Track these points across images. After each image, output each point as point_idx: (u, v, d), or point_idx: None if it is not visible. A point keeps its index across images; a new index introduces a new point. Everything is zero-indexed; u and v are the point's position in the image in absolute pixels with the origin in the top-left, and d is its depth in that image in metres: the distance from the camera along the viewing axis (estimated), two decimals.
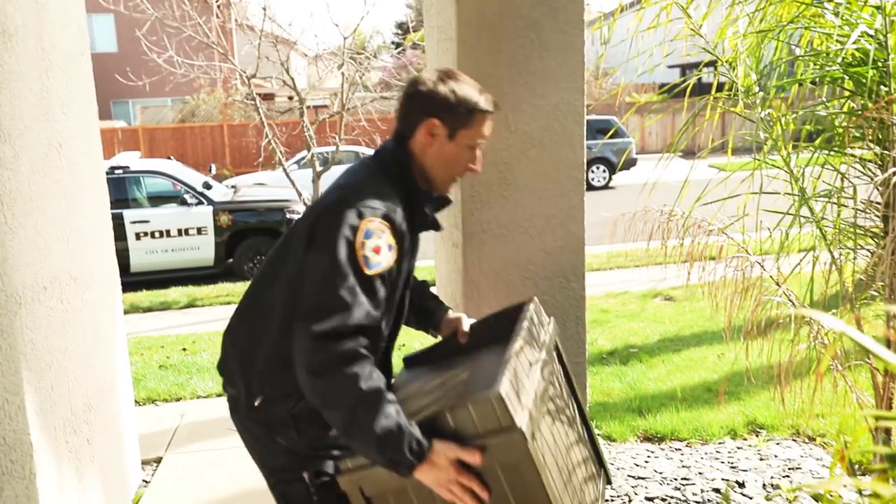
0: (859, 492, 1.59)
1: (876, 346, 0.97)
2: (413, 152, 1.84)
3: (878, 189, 2.39)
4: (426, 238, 2.00)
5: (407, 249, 1.81)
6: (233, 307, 6.84)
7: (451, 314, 2.11)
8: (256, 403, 1.80)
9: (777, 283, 2.85)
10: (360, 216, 1.69)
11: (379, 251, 1.69)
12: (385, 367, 1.99)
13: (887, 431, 2.67)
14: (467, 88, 1.81)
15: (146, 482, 3.67)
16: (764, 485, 3.35)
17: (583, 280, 2.39)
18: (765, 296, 2.83)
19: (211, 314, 7.54)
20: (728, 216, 2.91)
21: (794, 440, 3.83)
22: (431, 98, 1.79)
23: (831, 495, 2.71)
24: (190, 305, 8.01)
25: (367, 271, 1.66)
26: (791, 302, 2.80)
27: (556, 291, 2.34)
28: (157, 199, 9.40)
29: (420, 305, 2.11)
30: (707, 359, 5.16)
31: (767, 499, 3.22)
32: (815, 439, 3.82)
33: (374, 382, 1.62)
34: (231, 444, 3.97)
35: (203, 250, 9.24)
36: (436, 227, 1.92)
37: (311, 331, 1.60)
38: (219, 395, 4.82)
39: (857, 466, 3.42)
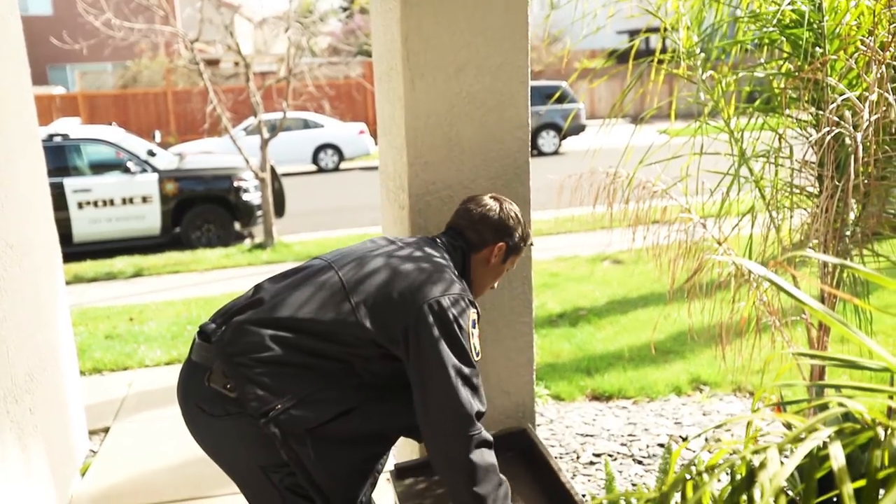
0: (786, 425, 1.66)
1: (806, 298, 1.01)
2: (471, 263, 2.01)
3: (813, 149, 2.46)
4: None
5: None
6: (181, 276, 6.77)
7: None
8: (278, 406, 1.70)
9: (718, 243, 2.92)
10: (469, 305, 1.80)
11: (479, 338, 1.85)
12: None
13: (821, 374, 2.78)
14: (524, 220, 2.10)
15: (94, 452, 3.63)
16: (706, 438, 3.46)
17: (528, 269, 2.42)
18: (707, 255, 2.90)
19: (159, 283, 7.43)
20: (671, 177, 2.96)
21: (735, 395, 3.96)
22: (507, 228, 2.03)
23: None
24: (137, 275, 7.87)
25: (475, 360, 1.79)
26: (732, 262, 2.87)
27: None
28: (99, 168, 9.14)
29: None
30: (653, 319, 5.28)
31: (708, 450, 3.33)
32: (754, 394, 3.94)
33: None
34: (177, 412, 3.93)
35: (149, 219, 9.05)
36: None
37: (464, 435, 1.71)
38: (168, 364, 4.77)
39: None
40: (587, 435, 3.55)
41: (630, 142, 2.76)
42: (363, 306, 1.75)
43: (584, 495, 3.02)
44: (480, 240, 2.02)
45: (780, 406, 2.82)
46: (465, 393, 1.72)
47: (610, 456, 3.31)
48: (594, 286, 6.33)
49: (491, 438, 1.76)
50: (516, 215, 2.07)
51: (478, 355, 1.80)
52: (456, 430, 1.71)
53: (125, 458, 3.53)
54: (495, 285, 2.11)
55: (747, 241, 2.80)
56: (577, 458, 3.34)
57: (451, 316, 1.74)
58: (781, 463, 0.85)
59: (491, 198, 2.07)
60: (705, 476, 0.97)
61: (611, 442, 3.47)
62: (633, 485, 3.10)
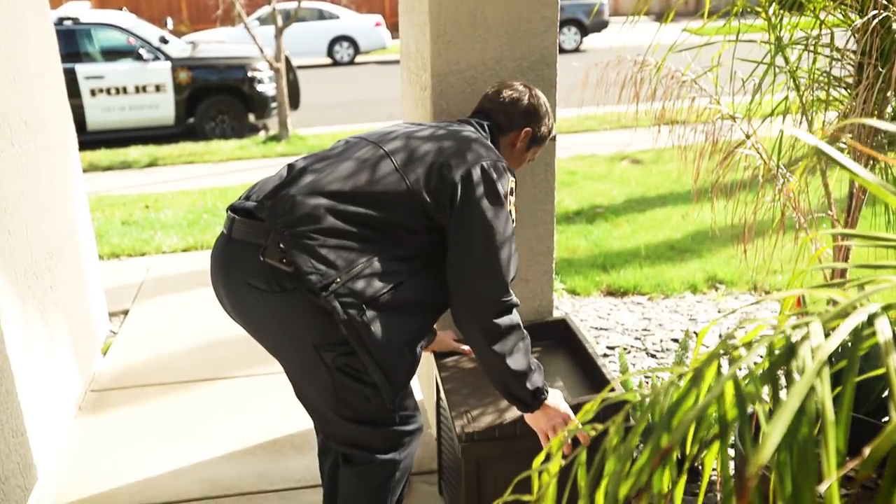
0: (829, 301, 1.61)
1: (859, 168, 0.95)
2: (498, 146, 1.98)
3: (854, 36, 2.34)
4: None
5: None
6: (195, 167, 6.75)
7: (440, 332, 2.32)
8: (337, 281, 1.67)
9: (747, 136, 2.83)
10: (508, 172, 1.80)
11: (515, 208, 1.87)
12: None
13: (842, 275, 2.74)
14: (552, 112, 2.08)
15: (114, 332, 3.70)
16: (720, 334, 3.47)
17: (553, 172, 2.36)
18: (735, 149, 2.82)
19: (173, 173, 7.40)
20: (703, 67, 2.85)
21: (751, 294, 3.95)
22: (537, 115, 2.01)
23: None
24: (151, 165, 7.84)
25: (512, 228, 1.80)
26: (760, 155, 2.79)
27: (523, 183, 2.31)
28: (111, 54, 8.97)
29: None
30: (671, 219, 5.23)
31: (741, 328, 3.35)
32: (770, 293, 3.93)
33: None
34: (200, 297, 3.98)
35: (162, 109, 8.94)
36: None
37: (490, 300, 1.73)
38: (185, 251, 4.80)
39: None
40: (601, 328, 3.56)
41: (655, 39, 2.64)
42: (412, 174, 1.75)
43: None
44: (509, 123, 2.00)
45: (802, 300, 2.80)
46: (501, 255, 1.74)
47: (624, 349, 3.33)
48: (612, 185, 6.26)
49: (518, 302, 1.78)
50: (546, 104, 2.05)
51: (513, 223, 1.81)
52: (488, 292, 1.73)
53: (145, 339, 3.59)
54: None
55: (777, 137, 2.71)
56: None
57: (493, 177, 1.75)
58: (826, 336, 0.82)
59: (521, 84, 2.05)
60: (742, 351, 0.94)
61: (625, 336, 3.49)
62: (647, 377, 3.13)
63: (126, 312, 3.90)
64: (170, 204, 5.98)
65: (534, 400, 1.78)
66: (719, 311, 3.72)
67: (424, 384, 2.87)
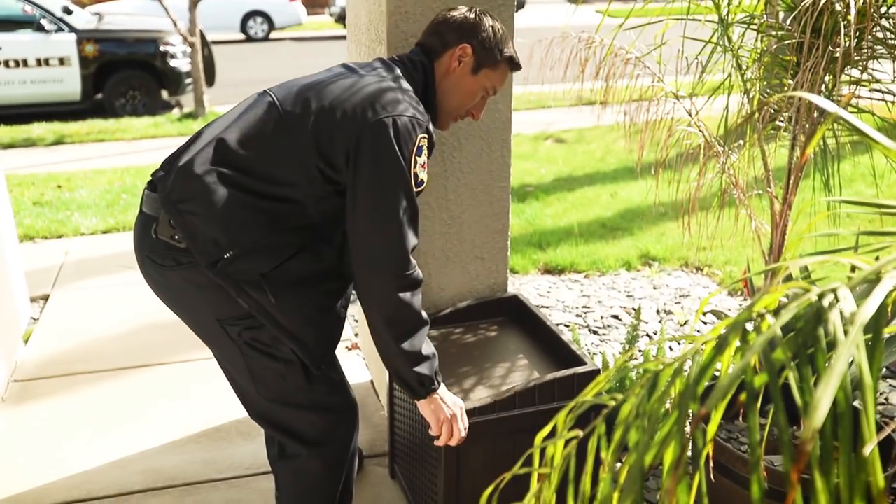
0: (852, 268, 1.65)
1: (870, 130, 0.96)
2: (435, 78, 1.79)
3: (796, 17, 2.40)
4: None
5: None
6: (107, 145, 6.48)
7: None
8: (226, 256, 1.61)
9: (689, 114, 2.89)
10: (415, 130, 1.61)
11: (425, 167, 1.67)
12: None
13: (780, 248, 2.84)
14: (506, 34, 1.83)
15: (35, 319, 3.49)
16: (658, 311, 3.55)
17: (509, 102, 2.32)
18: (677, 126, 2.86)
19: (83, 152, 7.03)
20: (647, 44, 2.88)
21: (682, 270, 4.05)
22: (472, 27, 1.78)
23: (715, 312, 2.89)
24: (58, 142, 7.42)
25: (416, 190, 1.64)
26: (702, 132, 2.85)
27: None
28: (7, 24, 8.42)
29: None
30: (601, 197, 5.31)
31: (660, 323, 3.42)
32: (702, 269, 4.05)
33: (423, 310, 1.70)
34: (126, 280, 3.80)
35: (67, 83, 8.47)
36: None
37: (387, 272, 1.62)
38: (105, 232, 4.57)
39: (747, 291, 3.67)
40: (543, 306, 3.59)
41: (570, 21, 2.65)
42: (308, 132, 1.61)
43: None
44: (441, 42, 1.79)
45: (748, 281, 2.89)
46: (398, 220, 1.60)
47: (566, 326, 3.37)
48: (539, 164, 6.31)
49: (421, 278, 1.68)
50: (491, 23, 1.80)
51: (421, 185, 1.66)
52: (384, 262, 1.62)
53: (68, 325, 3.40)
54: (477, 114, 1.88)
55: (722, 114, 2.77)
56: None
57: (391, 135, 1.58)
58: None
59: (464, 7, 1.85)
60: (769, 318, 0.94)
61: (566, 313, 3.52)
62: (590, 353, 3.17)
63: (46, 298, 3.69)
64: (84, 183, 5.68)
65: (421, 387, 1.70)
66: (654, 288, 3.80)
67: (374, 365, 2.83)
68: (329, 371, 1.81)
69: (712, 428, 1.10)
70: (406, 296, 1.64)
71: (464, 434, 1.75)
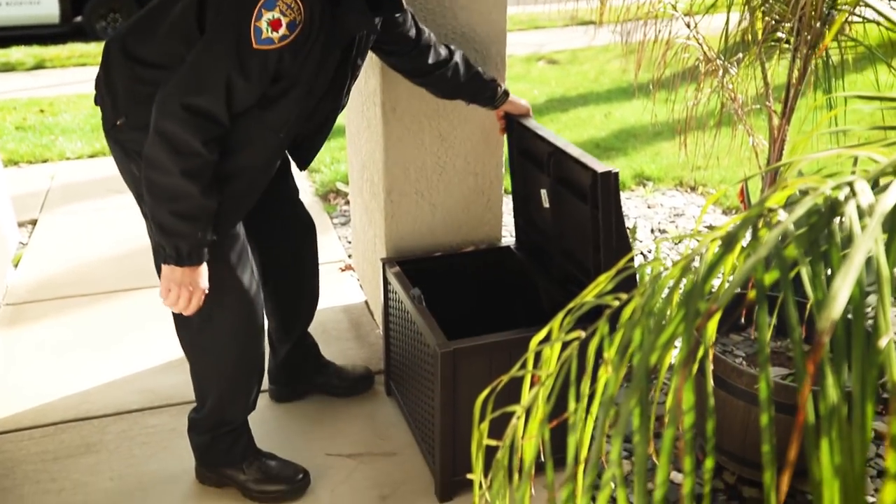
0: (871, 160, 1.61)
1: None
2: None
3: None
4: None
5: (327, 42, 1.66)
6: (89, 69, 6.33)
7: (517, 99, 2.21)
8: (118, 123, 1.71)
9: (687, 26, 2.81)
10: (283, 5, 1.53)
11: (278, 26, 1.54)
12: (297, 157, 2.02)
13: (775, 172, 2.81)
14: None
15: (23, 244, 3.45)
16: (652, 229, 3.54)
17: (504, 11, 2.25)
18: (676, 39, 2.79)
19: (64, 76, 6.86)
20: None
21: (677, 190, 4.02)
22: None
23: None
24: (38, 67, 7.24)
25: (254, 45, 1.53)
26: (700, 45, 2.77)
27: (475, 23, 2.20)
28: None
29: (476, 78, 2.09)
30: (594, 118, 5.24)
31: (655, 242, 3.41)
32: (696, 189, 4.02)
33: (207, 176, 1.60)
34: (115, 204, 3.75)
35: (45, 4, 8.20)
36: (370, 26, 1.79)
37: (180, 101, 1.54)
38: (91, 157, 4.49)
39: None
40: None
41: None
42: (189, 5, 1.61)
43: None
44: None
45: (745, 194, 2.86)
46: (215, 69, 1.54)
47: None
48: (531, 85, 6.20)
49: (212, 136, 1.57)
50: None
51: (267, 42, 1.54)
52: (179, 91, 1.54)
53: (58, 249, 3.36)
54: None
55: (722, 29, 2.69)
56: None
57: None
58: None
59: None
60: (781, 213, 0.91)
61: None
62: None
63: (34, 222, 3.64)
64: (67, 108, 5.55)
65: (161, 249, 1.63)
66: (649, 207, 3.78)
67: (368, 286, 2.81)
68: (226, 251, 1.77)
69: (711, 331, 1.08)
70: (188, 137, 1.54)
71: (191, 310, 1.70)
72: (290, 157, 2.07)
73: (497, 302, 2.37)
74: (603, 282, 1.06)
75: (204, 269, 1.69)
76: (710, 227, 3.07)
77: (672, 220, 3.62)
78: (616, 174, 1.80)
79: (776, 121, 2.79)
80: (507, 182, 3.13)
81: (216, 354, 1.88)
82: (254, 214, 2.00)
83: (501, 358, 1.90)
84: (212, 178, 1.62)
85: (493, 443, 1.06)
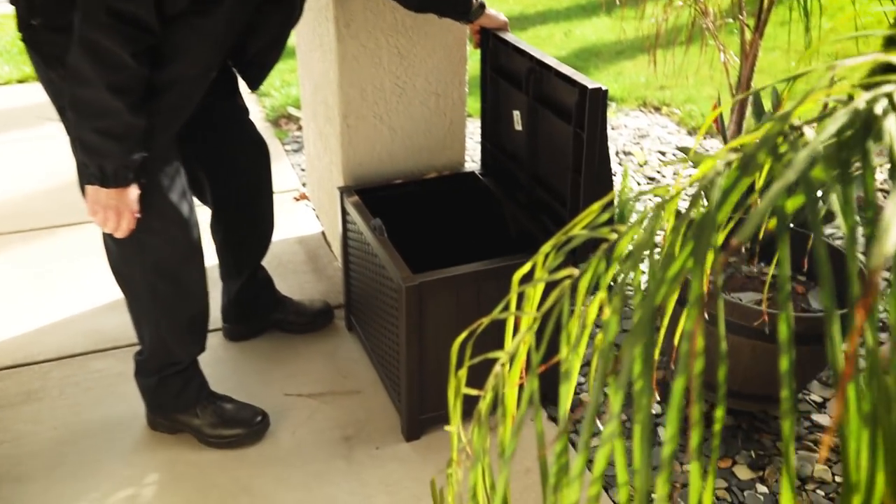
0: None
1: None
2: None
3: None
4: None
5: None
6: None
7: (494, 11, 2.03)
8: (33, 23, 1.51)
9: None
10: None
11: None
12: (247, 76, 1.85)
13: (748, 79, 2.70)
14: None
15: None
16: (616, 151, 3.43)
17: None
18: None
19: None
20: None
21: (641, 110, 3.91)
22: None
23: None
24: None
25: None
26: None
27: None
28: None
29: None
30: (554, 36, 5.06)
31: (620, 164, 3.31)
32: (660, 109, 3.91)
33: (136, 90, 1.45)
34: (44, 133, 3.50)
35: None
36: None
37: (105, 6, 1.36)
38: (20, 82, 4.18)
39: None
40: None
41: None
42: None
43: None
44: None
45: (719, 115, 2.76)
46: None
47: None
48: (488, 3, 5.95)
49: (138, 49, 1.41)
50: None
51: None
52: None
53: None
54: None
55: None
56: None
57: None
58: None
59: None
60: (807, 130, 0.79)
61: None
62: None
63: None
64: None
65: (84, 168, 1.50)
66: (612, 129, 3.66)
67: (325, 216, 2.67)
68: (156, 171, 1.62)
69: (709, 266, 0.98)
70: (111, 49, 1.39)
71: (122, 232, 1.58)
72: (239, 77, 1.89)
73: (461, 230, 2.26)
74: (596, 210, 0.95)
75: (133, 190, 1.54)
76: (682, 150, 2.97)
77: (636, 142, 3.52)
78: (605, 91, 1.67)
79: (749, 34, 2.68)
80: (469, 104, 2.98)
81: (148, 285, 1.73)
82: (200, 138, 1.83)
83: (469, 291, 1.80)
84: (141, 93, 1.46)
85: (473, 392, 0.96)
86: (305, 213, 2.91)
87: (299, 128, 3.61)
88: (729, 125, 2.74)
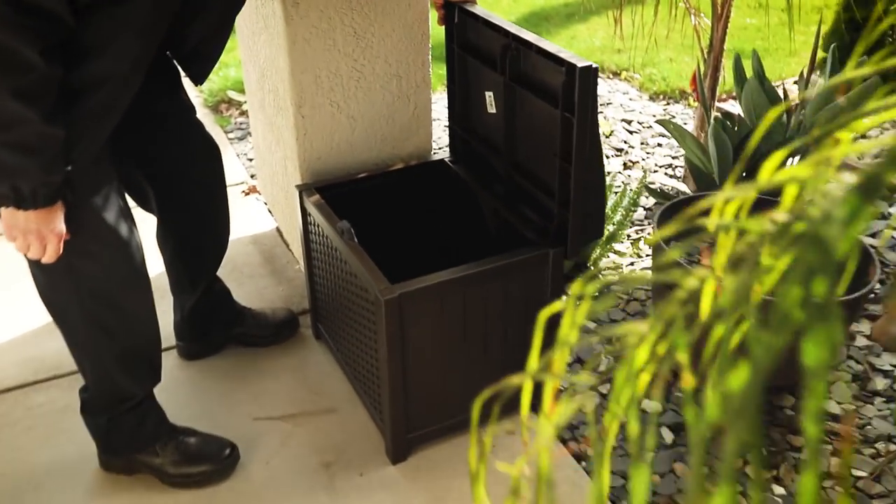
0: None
1: None
2: None
3: None
4: None
5: None
6: None
7: None
8: None
9: None
10: None
11: None
12: (190, 69, 1.64)
13: (721, 42, 2.57)
14: None
15: None
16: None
17: None
18: None
19: None
20: None
21: (599, 77, 3.75)
22: None
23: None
24: None
25: None
26: None
27: None
28: None
29: None
30: (501, 1, 4.85)
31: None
32: (619, 74, 3.77)
33: (49, 94, 1.22)
34: None
35: None
36: None
37: None
38: None
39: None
40: None
41: None
42: None
43: None
44: None
45: (696, 80, 2.62)
46: None
47: None
48: None
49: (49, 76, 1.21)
50: None
51: None
52: None
53: None
54: None
55: None
56: None
57: None
58: None
59: None
60: None
61: None
62: None
63: None
64: None
65: (13, 193, 1.27)
66: None
67: (280, 211, 2.46)
68: (85, 187, 1.41)
69: None
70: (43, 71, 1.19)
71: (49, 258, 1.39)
72: (181, 70, 1.67)
73: (433, 224, 2.08)
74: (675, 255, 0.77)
75: (57, 210, 1.33)
76: (656, 119, 2.81)
77: (599, 111, 3.37)
78: (595, 68, 1.49)
79: None
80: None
81: (84, 314, 1.51)
82: (140, 142, 1.61)
83: (454, 298, 1.63)
84: (55, 97, 1.23)
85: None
86: (257, 209, 2.69)
87: (241, 113, 3.36)
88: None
